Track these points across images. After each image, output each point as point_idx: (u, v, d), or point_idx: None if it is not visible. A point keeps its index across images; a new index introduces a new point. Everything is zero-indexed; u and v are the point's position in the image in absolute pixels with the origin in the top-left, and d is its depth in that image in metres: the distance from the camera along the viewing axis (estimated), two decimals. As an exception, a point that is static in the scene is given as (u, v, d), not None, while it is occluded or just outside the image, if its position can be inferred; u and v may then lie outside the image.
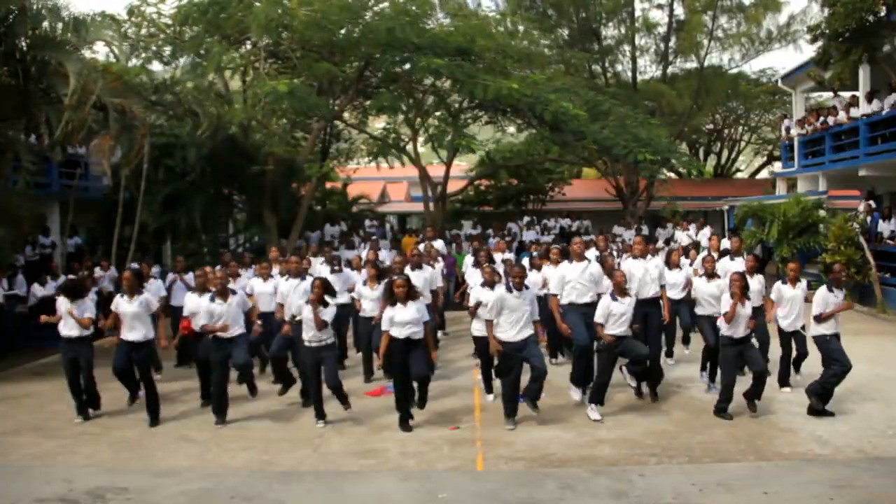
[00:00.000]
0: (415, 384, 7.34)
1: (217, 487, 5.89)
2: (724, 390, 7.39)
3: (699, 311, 8.52)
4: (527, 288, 7.29)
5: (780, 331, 8.27)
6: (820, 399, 7.35)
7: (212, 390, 7.77)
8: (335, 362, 7.54)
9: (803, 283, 8.33)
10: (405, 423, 7.27)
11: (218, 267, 9.81)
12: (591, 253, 10.07)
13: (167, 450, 6.86)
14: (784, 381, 8.38)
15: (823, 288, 7.61)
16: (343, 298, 9.35)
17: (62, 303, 7.75)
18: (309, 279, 8.08)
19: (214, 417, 7.61)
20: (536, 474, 6.02)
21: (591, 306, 7.82)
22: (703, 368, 8.60)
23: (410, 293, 7.22)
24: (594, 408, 7.47)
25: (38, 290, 12.38)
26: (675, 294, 9.30)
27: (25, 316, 11.93)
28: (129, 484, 5.96)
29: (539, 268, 9.55)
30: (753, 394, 7.37)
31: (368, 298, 8.98)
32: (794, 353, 8.35)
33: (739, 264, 9.14)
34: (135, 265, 12.21)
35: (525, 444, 6.73)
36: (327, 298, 7.31)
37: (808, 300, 8.13)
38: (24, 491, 5.87)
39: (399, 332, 7.10)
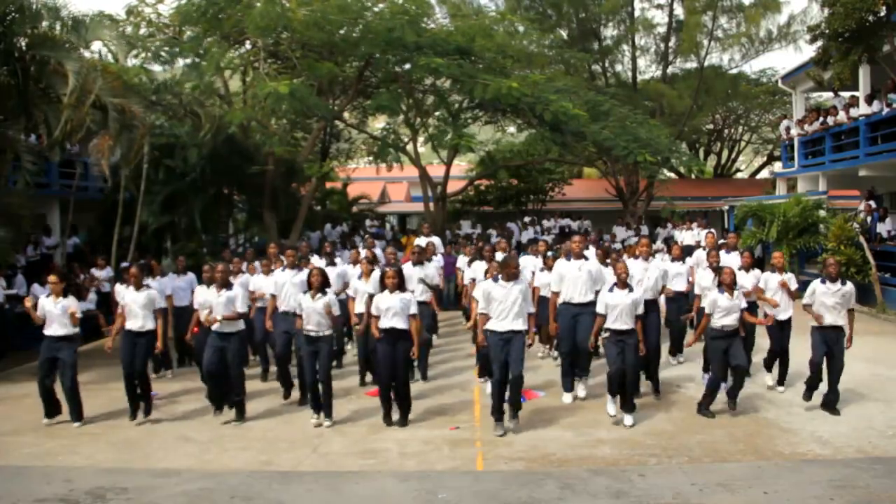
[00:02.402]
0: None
1: (217, 487, 5.89)
2: (710, 383, 7.39)
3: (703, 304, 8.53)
4: (516, 279, 7.26)
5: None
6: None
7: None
8: (330, 355, 7.53)
9: (789, 274, 8.34)
10: (387, 417, 7.35)
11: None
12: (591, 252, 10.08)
13: (167, 450, 6.86)
14: (780, 379, 8.41)
15: (817, 280, 7.60)
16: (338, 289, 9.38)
17: (46, 302, 7.68)
18: (306, 270, 8.09)
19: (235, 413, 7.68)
20: (536, 474, 6.02)
21: (588, 306, 7.83)
22: (705, 370, 8.57)
23: (400, 285, 7.34)
24: (610, 400, 7.39)
25: (38, 290, 12.36)
26: (680, 286, 9.34)
27: (25, 316, 11.89)
28: (129, 484, 5.95)
29: (551, 269, 9.50)
30: (732, 390, 7.40)
31: (363, 293, 8.83)
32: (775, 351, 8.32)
33: (734, 258, 9.17)
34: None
35: (525, 444, 6.73)
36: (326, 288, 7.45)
37: (793, 295, 8.18)
38: (24, 491, 5.86)
39: (383, 321, 7.18)
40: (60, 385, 7.68)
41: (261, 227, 16.48)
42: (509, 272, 7.07)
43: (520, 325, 7.03)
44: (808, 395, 7.59)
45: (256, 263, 10.46)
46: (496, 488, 5.75)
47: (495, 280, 7.14)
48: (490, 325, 7.06)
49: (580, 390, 8.26)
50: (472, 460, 6.39)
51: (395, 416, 7.42)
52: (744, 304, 7.43)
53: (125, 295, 7.87)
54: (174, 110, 14.64)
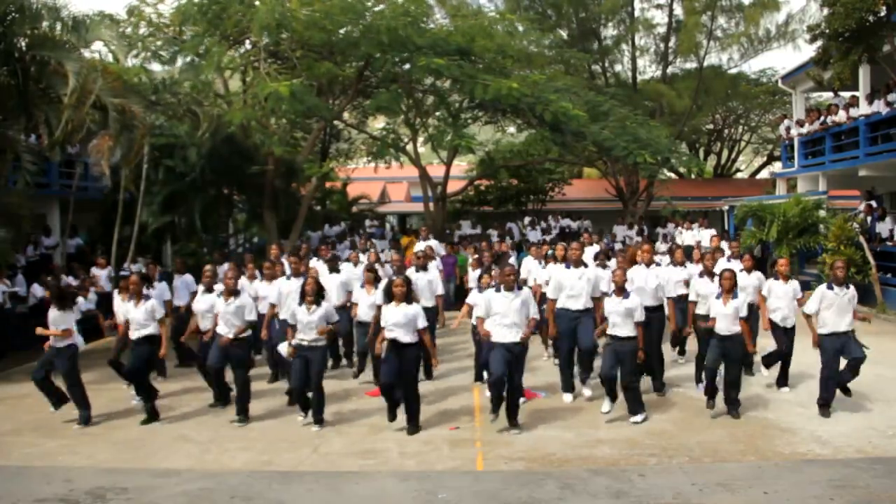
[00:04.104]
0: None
1: (217, 487, 5.89)
2: (708, 380, 7.39)
3: (697, 310, 8.44)
4: (519, 288, 7.19)
5: (774, 326, 8.25)
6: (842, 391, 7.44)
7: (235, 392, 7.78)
8: (322, 365, 7.44)
9: (794, 282, 8.35)
10: (391, 414, 7.20)
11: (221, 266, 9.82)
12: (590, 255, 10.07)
13: (167, 450, 6.86)
14: (783, 381, 8.41)
15: (823, 285, 7.54)
16: (343, 299, 9.37)
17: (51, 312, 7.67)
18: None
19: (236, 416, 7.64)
20: (536, 474, 6.02)
21: (585, 312, 7.82)
22: (697, 381, 8.44)
23: (408, 295, 7.10)
24: (608, 400, 7.39)
25: (38, 290, 12.38)
26: (683, 290, 9.35)
27: (25, 316, 11.92)
28: (129, 484, 5.96)
29: None
30: (728, 400, 7.39)
31: (365, 303, 8.76)
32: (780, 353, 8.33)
33: (736, 266, 9.14)
34: (136, 266, 12.21)
35: (525, 444, 6.74)
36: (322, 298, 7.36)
37: (800, 302, 8.14)
38: (24, 491, 5.86)
39: (387, 333, 7.04)
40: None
41: (261, 227, 16.49)
42: (508, 282, 7.00)
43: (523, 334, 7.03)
44: (825, 413, 7.36)
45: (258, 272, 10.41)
46: (496, 488, 5.75)
47: (497, 289, 7.07)
48: (495, 338, 6.97)
49: (586, 391, 8.23)
50: (472, 460, 6.40)
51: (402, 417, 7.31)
52: (743, 313, 7.29)
53: (127, 311, 7.88)
54: (173, 110, 14.65)
